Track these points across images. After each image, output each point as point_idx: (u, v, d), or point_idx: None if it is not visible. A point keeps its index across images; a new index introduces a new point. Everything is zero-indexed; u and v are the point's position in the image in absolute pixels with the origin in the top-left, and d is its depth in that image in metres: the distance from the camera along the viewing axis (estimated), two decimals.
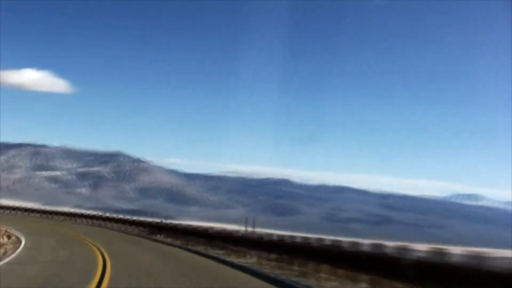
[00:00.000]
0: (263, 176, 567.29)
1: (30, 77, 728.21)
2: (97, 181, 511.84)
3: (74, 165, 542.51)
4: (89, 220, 71.20)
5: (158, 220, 66.70)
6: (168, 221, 64.51)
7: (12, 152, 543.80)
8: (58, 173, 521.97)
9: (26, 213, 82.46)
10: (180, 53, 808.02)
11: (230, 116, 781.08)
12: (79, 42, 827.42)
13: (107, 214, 78.48)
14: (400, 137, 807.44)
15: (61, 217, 75.85)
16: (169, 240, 44.91)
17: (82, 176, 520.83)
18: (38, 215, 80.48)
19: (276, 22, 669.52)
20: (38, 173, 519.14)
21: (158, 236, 48.31)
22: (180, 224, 56.30)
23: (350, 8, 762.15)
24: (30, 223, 57.40)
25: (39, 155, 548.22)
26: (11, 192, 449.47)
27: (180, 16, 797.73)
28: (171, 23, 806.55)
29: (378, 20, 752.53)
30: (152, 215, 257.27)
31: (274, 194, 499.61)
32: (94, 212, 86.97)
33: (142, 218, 74.83)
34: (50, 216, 77.82)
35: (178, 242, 41.89)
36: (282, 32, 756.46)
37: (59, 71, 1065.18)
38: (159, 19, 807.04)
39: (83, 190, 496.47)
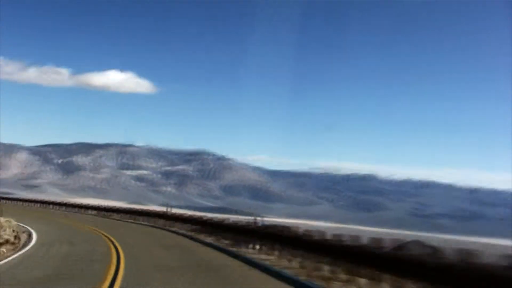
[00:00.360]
0: (348, 172, 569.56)
1: (115, 79, 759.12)
2: (182, 179, 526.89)
3: (159, 164, 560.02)
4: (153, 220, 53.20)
5: (248, 219, 41.71)
6: (262, 219, 43.74)
7: (99, 152, 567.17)
8: (144, 172, 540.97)
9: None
10: (258, 52, 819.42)
11: (313, 113, 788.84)
12: (161, 43, 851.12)
13: (173, 211, 60.70)
14: (487, 130, 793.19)
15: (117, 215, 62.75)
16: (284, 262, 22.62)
17: (168, 174, 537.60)
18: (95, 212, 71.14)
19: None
20: (124, 172, 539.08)
21: (251, 246, 28.44)
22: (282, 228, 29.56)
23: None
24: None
25: (125, 155, 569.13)
26: (98, 191, 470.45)
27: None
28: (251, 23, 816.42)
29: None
30: (236, 212, 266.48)
31: (360, 190, 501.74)
32: (159, 209, 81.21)
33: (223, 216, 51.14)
34: (107, 214, 65.36)
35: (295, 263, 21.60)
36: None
37: (143, 72, 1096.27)
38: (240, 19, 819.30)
39: (169, 188, 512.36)
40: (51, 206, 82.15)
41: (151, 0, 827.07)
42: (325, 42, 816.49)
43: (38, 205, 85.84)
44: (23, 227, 35.22)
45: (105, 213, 66.32)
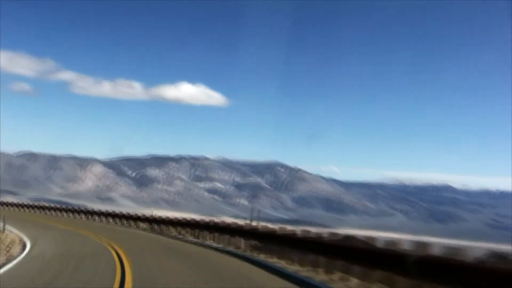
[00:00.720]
0: (423, 182, 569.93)
1: (187, 91, 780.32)
2: (255, 191, 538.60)
3: (232, 176, 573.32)
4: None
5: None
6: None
7: (172, 164, 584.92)
8: (216, 184, 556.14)
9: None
10: (339, 64, 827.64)
11: (382, 123, 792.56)
12: (233, 55, 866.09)
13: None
14: None
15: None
16: None
17: (240, 186, 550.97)
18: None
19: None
20: (197, 184, 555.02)
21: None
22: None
23: None
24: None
25: (198, 167, 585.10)
26: (171, 204, 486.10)
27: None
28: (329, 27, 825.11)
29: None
30: (310, 224, 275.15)
31: (435, 201, 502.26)
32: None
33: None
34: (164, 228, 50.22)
35: None
36: None
37: (215, 84, 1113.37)
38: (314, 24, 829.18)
39: (242, 201, 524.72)
40: (96, 217, 67.97)
41: (222, 13, 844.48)
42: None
43: (83, 216, 71.93)
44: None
45: (163, 226, 50.32)
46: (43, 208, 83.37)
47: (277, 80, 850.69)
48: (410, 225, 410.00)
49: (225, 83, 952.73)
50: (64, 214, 77.03)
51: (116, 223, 60.43)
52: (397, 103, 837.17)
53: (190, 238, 41.03)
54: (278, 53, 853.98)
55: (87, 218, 69.07)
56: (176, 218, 50.41)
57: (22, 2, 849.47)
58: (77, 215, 73.49)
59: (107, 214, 66.36)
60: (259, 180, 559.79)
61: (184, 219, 49.08)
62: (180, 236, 43.34)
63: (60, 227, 46.96)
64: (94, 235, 37.65)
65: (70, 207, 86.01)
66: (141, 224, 55.19)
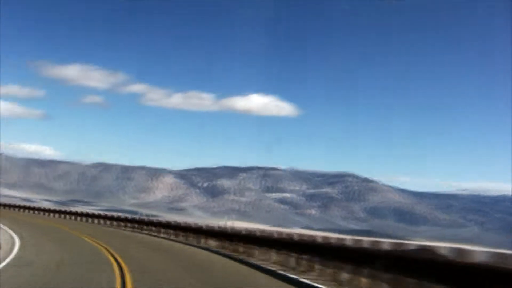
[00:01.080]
0: (498, 193, 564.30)
1: (258, 102, 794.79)
2: (326, 202, 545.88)
3: (303, 187, 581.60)
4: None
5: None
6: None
7: (243, 175, 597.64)
8: (287, 194, 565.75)
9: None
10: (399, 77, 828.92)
11: (455, 133, 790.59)
12: (304, 67, 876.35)
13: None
14: None
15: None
16: None
17: (311, 197, 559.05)
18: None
19: None
20: (268, 195, 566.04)
21: None
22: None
23: None
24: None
25: (269, 178, 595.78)
26: (242, 214, 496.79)
27: None
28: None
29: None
30: (381, 235, 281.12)
31: (511, 212, 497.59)
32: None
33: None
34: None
35: None
36: None
37: (285, 95, 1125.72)
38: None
39: (312, 211, 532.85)
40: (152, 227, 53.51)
41: (291, 29, 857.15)
42: None
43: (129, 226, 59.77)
44: None
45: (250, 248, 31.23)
46: (109, 218, 68.41)
47: (347, 90, 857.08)
48: (485, 237, 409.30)
49: (296, 94, 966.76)
50: (102, 222, 66.59)
51: (178, 238, 43.68)
52: (471, 112, 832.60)
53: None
54: (347, 63, 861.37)
55: (140, 230, 53.80)
56: (278, 236, 29.20)
57: (93, 18, 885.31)
58: (127, 225, 60.13)
59: (174, 227, 48.95)
60: (330, 190, 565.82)
61: (290, 236, 27.98)
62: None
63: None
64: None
65: (121, 216, 71.23)
66: (211, 242, 37.89)
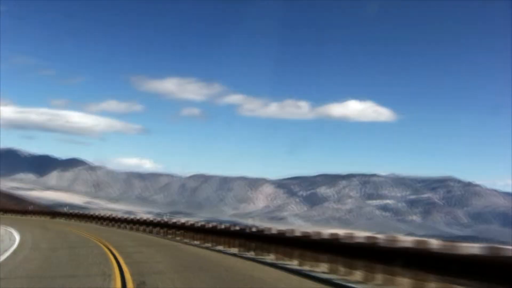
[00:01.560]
0: None
1: (354, 108, 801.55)
2: (428, 208, 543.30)
3: (404, 193, 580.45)
4: None
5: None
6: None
7: (343, 183, 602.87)
8: (388, 201, 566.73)
9: None
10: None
11: None
12: (401, 72, 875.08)
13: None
14: None
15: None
16: None
17: (412, 203, 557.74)
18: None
19: None
20: (369, 202, 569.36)
21: None
22: None
23: None
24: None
25: (369, 184, 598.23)
26: (343, 222, 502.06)
27: None
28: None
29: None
30: (486, 240, 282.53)
31: None
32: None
33: None
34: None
35: None
36: None
37: (382, 100, 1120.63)
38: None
39: (414, 218, 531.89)
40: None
41: (387, 27, 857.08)
42: None
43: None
44: None
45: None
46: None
47: (446, 92, 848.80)
48: None
49: (394, 99, 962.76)
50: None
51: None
52: None
53: None
54: (443, 65, 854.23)
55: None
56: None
57: (186, 32, 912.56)
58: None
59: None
60: (432, 196, 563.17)
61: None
62: None
63: None
64: None
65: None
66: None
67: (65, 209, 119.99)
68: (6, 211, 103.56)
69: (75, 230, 49.91)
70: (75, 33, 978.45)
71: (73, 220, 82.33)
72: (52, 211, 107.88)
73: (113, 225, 65.49)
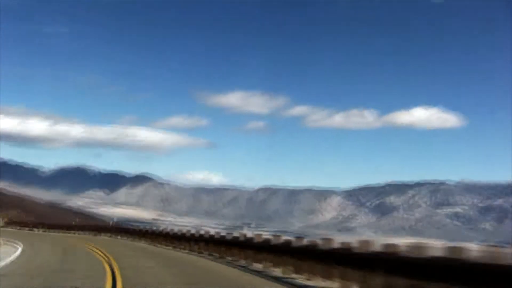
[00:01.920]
0: None
1: (420, 116, 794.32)
2: (501, 215, 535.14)
3: (475, 200, 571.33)
4: None
5: None
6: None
7: (411, 191, 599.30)
8: (458, 209, 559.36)
9: None
10: None
11: None
12: (466, 77, 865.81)
13: None
14: None
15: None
16: None
17: (484, 210, 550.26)
18: None
19: None
20: (438, 210, 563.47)
21: None
22: None
23: None
24: None
25: (438, 192, 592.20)
26: (413, 231, 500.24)
27: None
28: None
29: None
30: None
31: None
32: None
33: None
34: None
35: None
36: None
37: (448, 106, 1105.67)
38: None
39: (487, 225, 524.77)
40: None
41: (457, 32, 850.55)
42: None
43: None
44: None
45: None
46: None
47: None
48: None
49: (460, 104, 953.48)
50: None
51: None
52: None
53: None
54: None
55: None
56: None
57: (247, 45, 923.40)
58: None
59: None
60: (505, 202, 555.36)
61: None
62: None
63: None
64: None
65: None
66: None
67: (111, 223, 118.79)
68: (49, 226, 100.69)
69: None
70: (140, 50, 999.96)
71: (119, 237, 71.02)
72: (96, 226, 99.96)
73: (171, 243, 48.91)
